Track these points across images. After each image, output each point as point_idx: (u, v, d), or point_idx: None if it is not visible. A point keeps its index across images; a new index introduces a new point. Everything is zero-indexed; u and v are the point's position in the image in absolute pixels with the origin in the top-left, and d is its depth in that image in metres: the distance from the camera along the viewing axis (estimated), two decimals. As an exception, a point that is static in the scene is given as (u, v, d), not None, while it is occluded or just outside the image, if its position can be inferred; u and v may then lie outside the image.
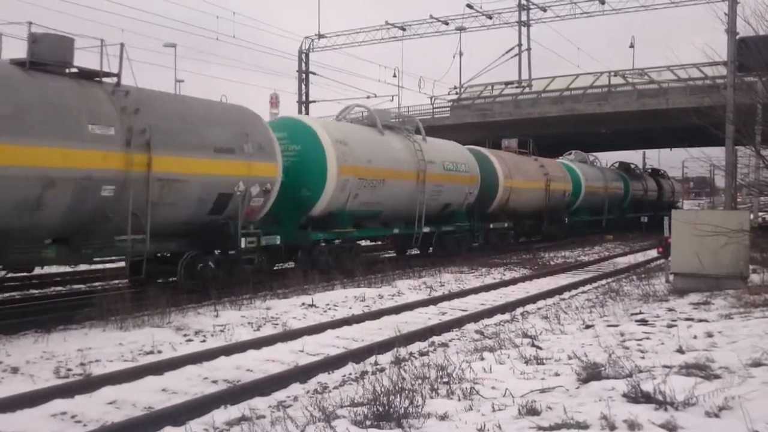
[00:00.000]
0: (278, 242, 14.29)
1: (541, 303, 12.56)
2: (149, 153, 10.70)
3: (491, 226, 22.92)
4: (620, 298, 11.84)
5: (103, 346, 8.39)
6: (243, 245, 12.65)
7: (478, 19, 36.96)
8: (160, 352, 8.23)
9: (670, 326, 8.16)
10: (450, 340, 9.19)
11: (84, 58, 10.54)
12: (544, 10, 36.73)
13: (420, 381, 5.92)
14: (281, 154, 14.02)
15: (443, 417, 4.75)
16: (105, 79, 10.69)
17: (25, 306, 11.51)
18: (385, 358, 7.85)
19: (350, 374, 7.31)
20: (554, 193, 26.72)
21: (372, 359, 7.84)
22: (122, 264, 11.94)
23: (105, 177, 10.16)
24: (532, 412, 4.70)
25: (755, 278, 12.22)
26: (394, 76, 38.77)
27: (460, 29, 37.56)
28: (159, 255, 12.22)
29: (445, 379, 5.91)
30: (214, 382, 7.05)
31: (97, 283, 12.92)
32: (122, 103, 10.56)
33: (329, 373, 7.32)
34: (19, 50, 9.98)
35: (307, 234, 15.38)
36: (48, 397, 6.11)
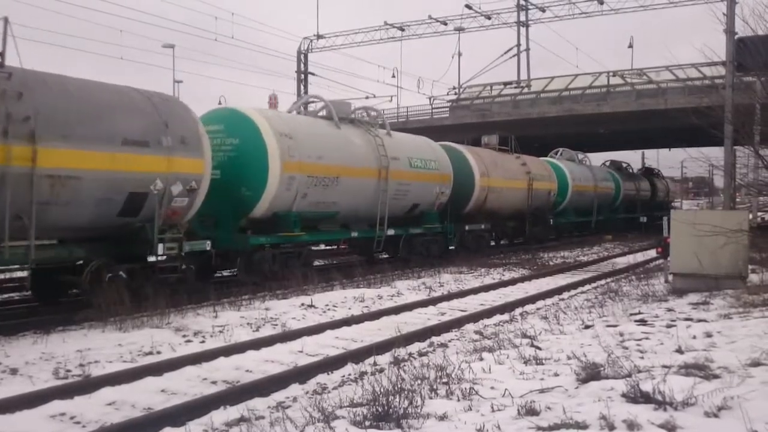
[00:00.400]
0: (208, 248, 12.41)
1: (540, 303, 12.56)
2: (34, 145, 9.20)
3: (467, 228, 21.42)
4: (619, 299, 11.85)
5: (103, 346, 8.39)
6: (160, 252, 11.05)
7: (476, 19, 37.06)
8: (159, 352, 8.23)
9: (669, 326, 8.16)
10: (449, 341, 9.19)
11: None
12: (543, 11, 36.83)
13: (419, 381, 5.92)
14: (213, 148, 12.68)
15: (442, 417, 4.75)
16: None
17: None
18: (384, 359, 7.85)
19: (349, 375, 7.31)
20: (538, 192, 25.33)
21: (371, 360, 7.84)
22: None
23: (-28, 172, 8.69)
24: (532, 412, 4.70)
25: (754, 278, 12.25)
26: (393, 76, 38.88)
27: (459, 29, 37.63)
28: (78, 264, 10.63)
29: (445, 380, 5.91)
30: (214, 382, 7.04)
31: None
32: (1, 87, 9.12)
33: (328, 374, 7.32)
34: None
35: (246, 238, 13.66)
36: (47, 398, 6.11)
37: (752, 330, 7.46)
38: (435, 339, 9.27)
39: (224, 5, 32.92)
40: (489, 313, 11.24)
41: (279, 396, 6.49)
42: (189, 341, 8.90)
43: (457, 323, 10.28)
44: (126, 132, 10.51)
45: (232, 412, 5.85)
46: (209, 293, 11.96)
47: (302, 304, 11.57)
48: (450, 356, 7.16)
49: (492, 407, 4.91)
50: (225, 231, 13.50)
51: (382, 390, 5.27)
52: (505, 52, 40.52)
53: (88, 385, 6.59)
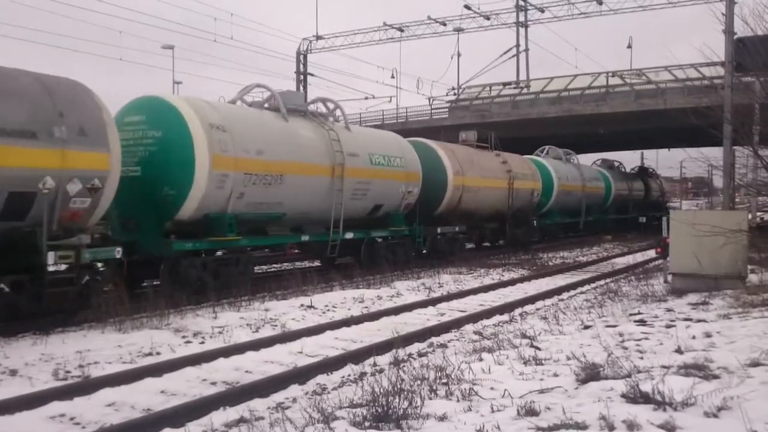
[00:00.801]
0: (118, 255, 10.56)
1: (539, 304, 12.57)
2: None
3: (439, 230, 19.80)
4: (619, 299, 11.86)
5: (102, 347, 8.39)
6: (51, 261, 9.41)
7: (475, 20, 37.09)
8: (158, 353, 8.23)
9: (668, 326, 8.17)
10: (449, 341, 9.20)
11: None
12: (542, 11, 36.87)
13: (419, 382, 5.93)
14: (133, 142, 11.74)
15: (442, 418, 4.76)
16: None
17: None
18: (384, 359, 7.85)
19: (349, 375, 7.32)
20: (520, 192, 23.86)
21: (371, 360, 7.85)
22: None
23: None
24: (531, 412, 4.70)
25: (753, 278, 12.26)
26: (393, 77, 38.95)
27: (458, 30, 37.65)
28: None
29: (444, 380, 5.91)
30: (213, 383, 7.04)
31: None
32: None
33: (328, 375, 7.33)
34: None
35: (169, 243, 11.97)
36: (47, 399, 6.11)
37: (751, 330, 7.46)
38: (434, 339, 9.27)
39: (223, 6, 32.93)
40: (488, 313, 11.25)
41: (278, 397, 6.50)
42: (188, 342, 8.90)
43: (456, 324, 10.28)
44: (4, 121, 8.92)
45: (232, 413, 5.85)
46: (209, 294, 11.94)
47: (302, 305, 11.58)
48: (449, 357, 7.16)
49: (492, 408, 4.91)
50: (148, 236, 11.98)
51: (381, 391, 5.27)
52: (505, 53, 40.59)
53: (87, 386, 6.59)
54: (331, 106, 16.70)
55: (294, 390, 6.76)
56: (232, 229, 12.76)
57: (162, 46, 36.33)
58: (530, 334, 8.37)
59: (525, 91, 38.07)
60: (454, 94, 39.47)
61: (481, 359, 6.82)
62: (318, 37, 37.91)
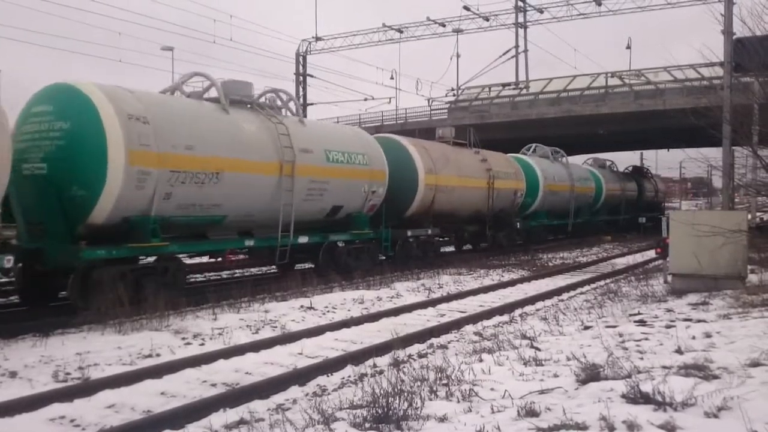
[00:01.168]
0: (8, 265, 9.53)
1: (539, 304, 12.57)
2: None
3: (410, 233, 18.50)
4: (619, 299, 11.86)
5: (102, 349, 8.39)
6: None
7: (474, 21, 37.09)
8: (158, 355, 8.23)
9: (668, 327, 8.16)
10: (449, 342, 9.20)
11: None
12: (541, 12, 36.86)
13: (419, 383, 5.92)
14: (38, 135, 10.71)
15: (442, 419, 4.75)
16: None
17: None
18: (384, 361, 7.85)
19: (349, 377, 7.31)
20: (501, 192, 22.61)
21: (371, 361, 7.84)
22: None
23: None
24: (531, 413, 4.70)
25: (753, 278, 12.26)
26: (392, 78, 38.95)
27: (457, 31, 37.65)
28: None
29: (444, 381, 5.91)
30: (213, 385, 7.04)
31: None
32: None
33: (328, 376, 7.33)
34: None
35: (77, 250, 10.45)
36: (47, 401, 6.10)
37: (751, 330, 7.46)
38: (434, 340, 9.27)
39: (222, 7, 32.93)
40: (488, 314, 11.25)
41: (278, 398, 6.50)
42: (188, 344, 8.89)
43: (456, 325, 10.28)
44: None
45: (232, 414, 5.85)
46: (208, 295, 11.93)
47: (301, 306, 11.58)
48: (449, 358, 7.16)
49: (492, 408, 4.91)
50: (56, 242, 10.63)
51: (381, 392, 5.27)
52: (504, 54, 40.57)
53: (87, 388, 6.58)
54: (285, 97, 15.34)
55: (294, 391, 6.76)
56: (157, 234, 11.41)
57: (161, 48, 36.30)
58: (530, 334, 8.37)
59: (524, 91, 38.07)
60: (454, 95, 39.48)
61: (481, 360, 6.81)
62: (317, 39, 37.92)
